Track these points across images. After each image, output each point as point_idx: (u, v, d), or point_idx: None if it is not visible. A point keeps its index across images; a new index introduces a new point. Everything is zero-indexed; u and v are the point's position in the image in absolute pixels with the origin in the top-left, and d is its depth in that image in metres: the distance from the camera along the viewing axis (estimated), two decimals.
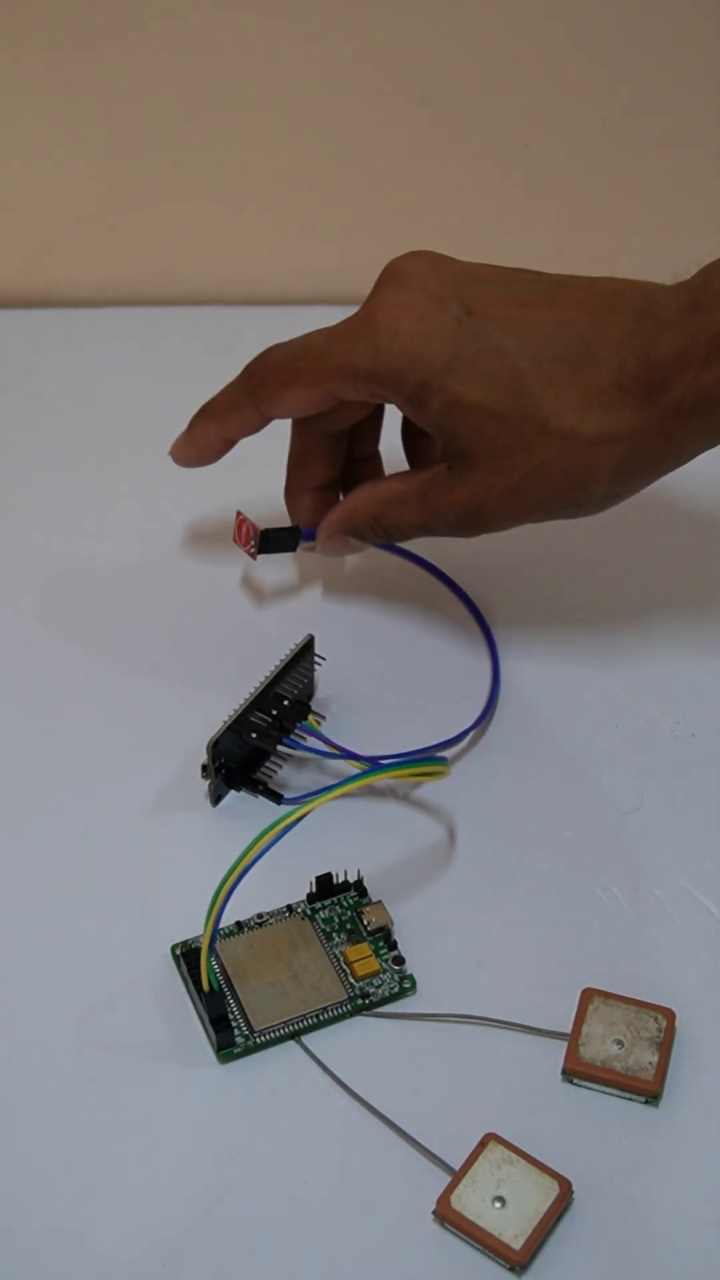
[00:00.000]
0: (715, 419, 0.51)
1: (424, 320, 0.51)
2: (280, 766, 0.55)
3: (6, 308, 0.81)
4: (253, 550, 0.58)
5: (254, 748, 0.54)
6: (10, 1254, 0.42)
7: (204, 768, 0.53)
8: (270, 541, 0.58)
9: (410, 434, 0.59)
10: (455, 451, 0.52)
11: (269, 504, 0.61)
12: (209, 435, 0.58)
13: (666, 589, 0.64)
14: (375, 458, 0.61)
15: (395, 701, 0.59)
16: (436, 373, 0.51)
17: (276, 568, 0.65)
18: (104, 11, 0.74)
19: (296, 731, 0.55)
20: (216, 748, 0.53)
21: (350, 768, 0.53)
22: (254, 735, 0.53)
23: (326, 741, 0.54)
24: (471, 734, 0.57)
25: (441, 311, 0.51)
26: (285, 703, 0.54)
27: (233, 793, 0.55)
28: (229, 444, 0.58)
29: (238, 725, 0.53)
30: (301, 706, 0.55)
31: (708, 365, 0.50)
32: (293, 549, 0.59)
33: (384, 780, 0.54)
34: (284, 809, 0.52)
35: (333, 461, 0.59)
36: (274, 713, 0.54)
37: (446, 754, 0.55)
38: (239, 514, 0.59)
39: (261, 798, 0.54)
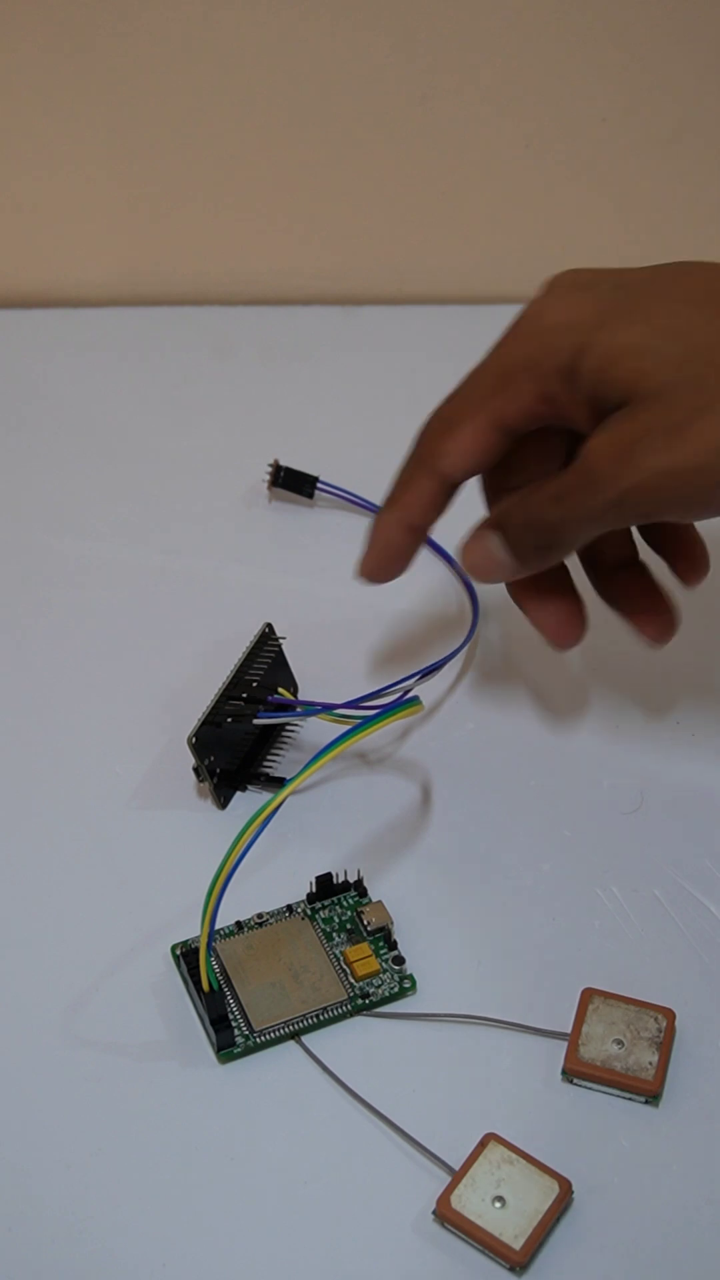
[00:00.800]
0: None
1: (570, 298, 0.47)
2: (280, 759, 0.55)
3: (7, 308, 0.81)
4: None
5: (241, 739, 0.54)
6: (10, 1254, 0.42)
7: (196, 770, 0.53)
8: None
9: (604, 572, 0.53)
10: (613, 403, 0.46)
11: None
12: (389, 527, 0.51)
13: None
14: (636, 567, 0.53)
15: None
16: (587, 331, 0.46)
17: (277, 568, 0.65)
18: (105, 14, 0.74)
19: (268, 702, 0.54)
20: (198, 743, 0.52)
21: (331, 725, 0.52)
22: (229, 720, 0.53)
23: (300, 703, 0.54)
24: (469, 732, 0.57)
25: (592, 290, 0.47)
26: (254, 685, 0.54)
27: (238, 792, 0.55)
28: (415, 532, 0.51)
29: (213, 716, 0.53)
30: (268, 688, 0.55)
31: None
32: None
33: (372, 742, 0.54)
34: (265, 797, 0.52)
35: (436, 507, 0.51)
36: (244, 695, 0.53)
37: (420, 687, 0.53)
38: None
39: (266, 789, 0.54)
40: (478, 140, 0.79)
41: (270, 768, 0.55)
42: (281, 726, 0.56)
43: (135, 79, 0.77)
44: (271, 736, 0.56)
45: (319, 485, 0.67)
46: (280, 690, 0.55)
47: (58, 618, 0.63)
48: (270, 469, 0.67)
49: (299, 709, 0.54)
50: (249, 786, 0.55)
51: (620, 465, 0.45)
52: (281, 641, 0.56)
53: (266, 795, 0.54)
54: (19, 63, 0.76)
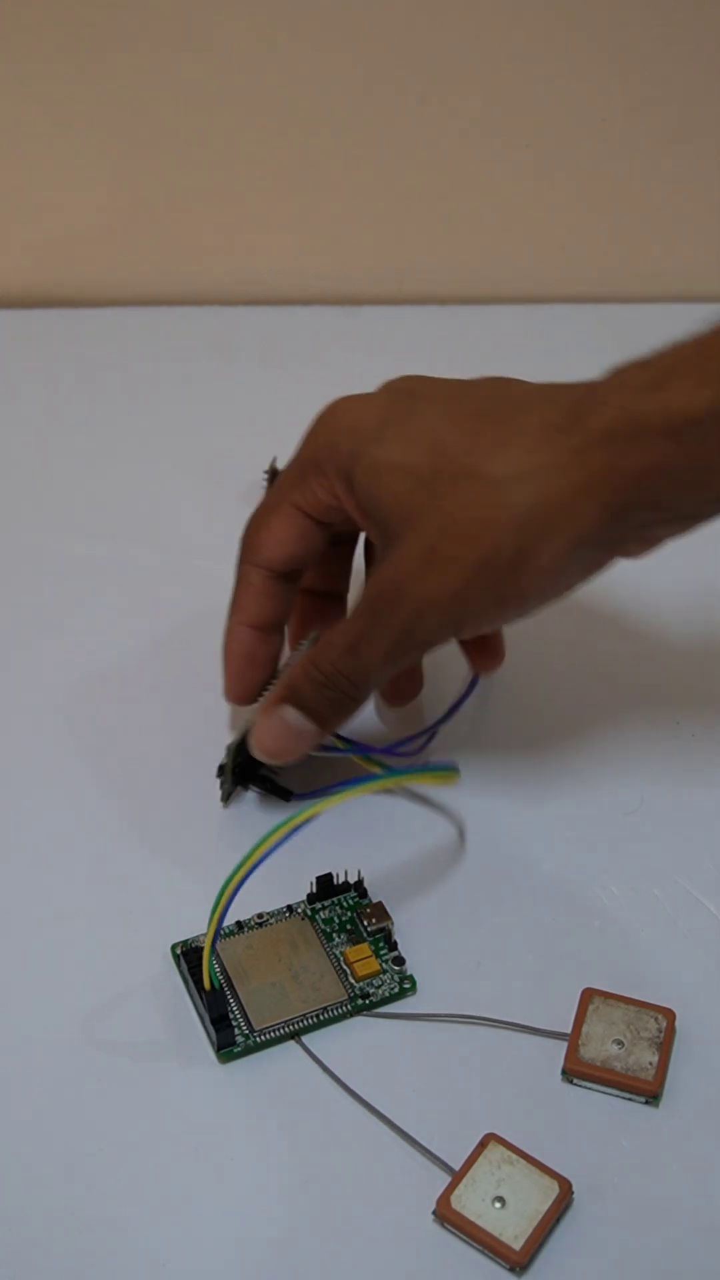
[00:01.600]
0: (645, 449, 0.44)
1: (360, 403, 0.49)
2: (286, 769, 0.55)
3: (10, 308, 0.82)
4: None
5: None
6: (10, 1254, 0.42)
7: (221, 767, 0.53)
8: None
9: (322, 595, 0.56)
10: (385, 535, 0.47)
11: None
12: (234, 632, 0.53)
13: (667, 588, 0.64)
14: (339, 599, 0.56)
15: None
16: (364, 441, 0.48)
17: None
18: (107, 17, 0.74)
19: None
20: (239, 750, 0.52)
21: (361, 764, 0.54)
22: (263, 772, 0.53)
23: (341, 739, 0.54)
24: (469, 733, 0.57)
25: (385, 395, 0.50)
26: None
27: (240, 790, 0.55)
28: (262, 632, 0.53)
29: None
30: None
31: (650, 391, 0.44)
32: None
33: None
34: (292, 809, 0.52)
35: (270, 598, 0.52)
36: None
37: (438, 745, 0.55)
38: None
39: (271, 796, 0.54)
40: (478, 140, 0.79)
41: (275, 774, 0.55)
42: None
43: (136, 79, 0.77)
44: None
45: None
46: None
47: (57, 617, 0.63)
48: (267, 471, 0.67)
49: (340, 746, 0.54)
50: (253, 787, 0.55)
51: (395, 603, 0.47)
52: None
53: (264, 800, 0.54)
54: (20, 63, 0.76)
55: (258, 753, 0.51)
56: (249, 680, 0.53)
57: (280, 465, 0.67)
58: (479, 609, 0.47)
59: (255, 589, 0.52)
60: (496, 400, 0.47)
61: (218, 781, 0.54)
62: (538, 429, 0.45)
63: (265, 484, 0.68)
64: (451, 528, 0.46)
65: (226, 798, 0.54)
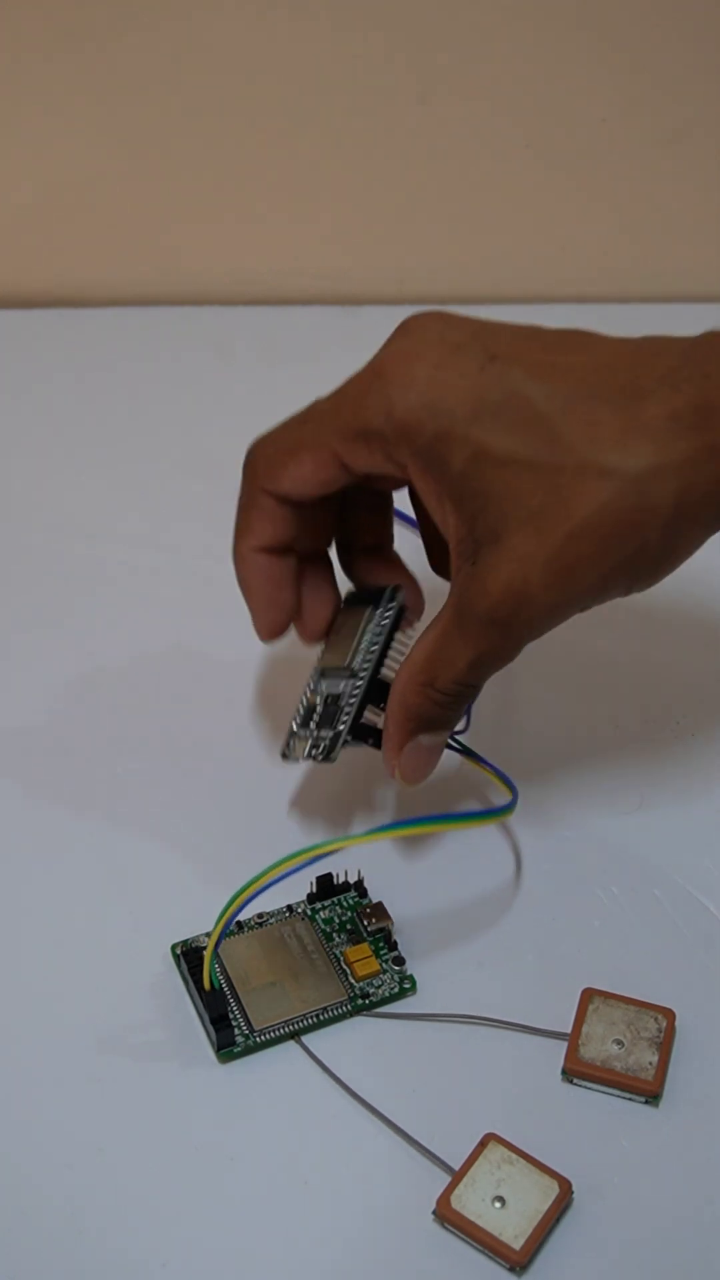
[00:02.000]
0: None
1: (441, 367, 0.44)
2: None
3: (7, 308, 0.82)
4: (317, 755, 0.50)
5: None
6: (10, 1254, 0.42)
7: (310, 721, 0.50)
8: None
9: (431, 537, 0.51)
10: (482, 531, 0.44)
11: None
12: (246, 558, 0.49)
13: (668, 588, 0.63)
14: (385, 550, 0.53)
15: None
16: (459, 422, 0.44)
17: None
18: (104, 13, 0.74)
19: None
20: (341, 735, 0.49)
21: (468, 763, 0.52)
22: (369, 740, 0.50)
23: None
24: (469, 733, 0.57)
25: (462, 358, 0.44)
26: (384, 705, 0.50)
27: (238, 788, 0.55)
28: (276, 559, 0.50)
29: (350, 727, 0.49)
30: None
31: None
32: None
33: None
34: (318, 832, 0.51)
35: (283, 521, 0.49)
36: (382, 706, 0.50)
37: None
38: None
39: (374, 748, 0.50)
40: (478, 140, 0.79)
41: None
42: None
43: (136, 79, 0.77)
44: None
45: None
46: None
47: (57, 617, 0.63)
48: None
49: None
50: (369, 742, 0.51)
51: (513, 612, 0.44)
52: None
53: (265, 807, 0.54)
54: (20, 63, 0.76)
55: (407, 782, 0.49)
56: (279, 608, 0.50)
57: None
58: (599, 600, 0.45)
59: (267, 513, 0.48)
60: (602, 376, 0.44)
61: (303, 750, 0.50)
62: (664, 420, 0.43)
63: None
64: (586, 530, 0.43)
65: (330, 753, 0.50)
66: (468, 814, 0.49)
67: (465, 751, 0.51)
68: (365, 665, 0.49)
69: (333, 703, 0.50)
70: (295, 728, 0.50)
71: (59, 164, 0.79)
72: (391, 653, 0.50)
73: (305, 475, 0.47)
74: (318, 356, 0.79)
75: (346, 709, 0.49)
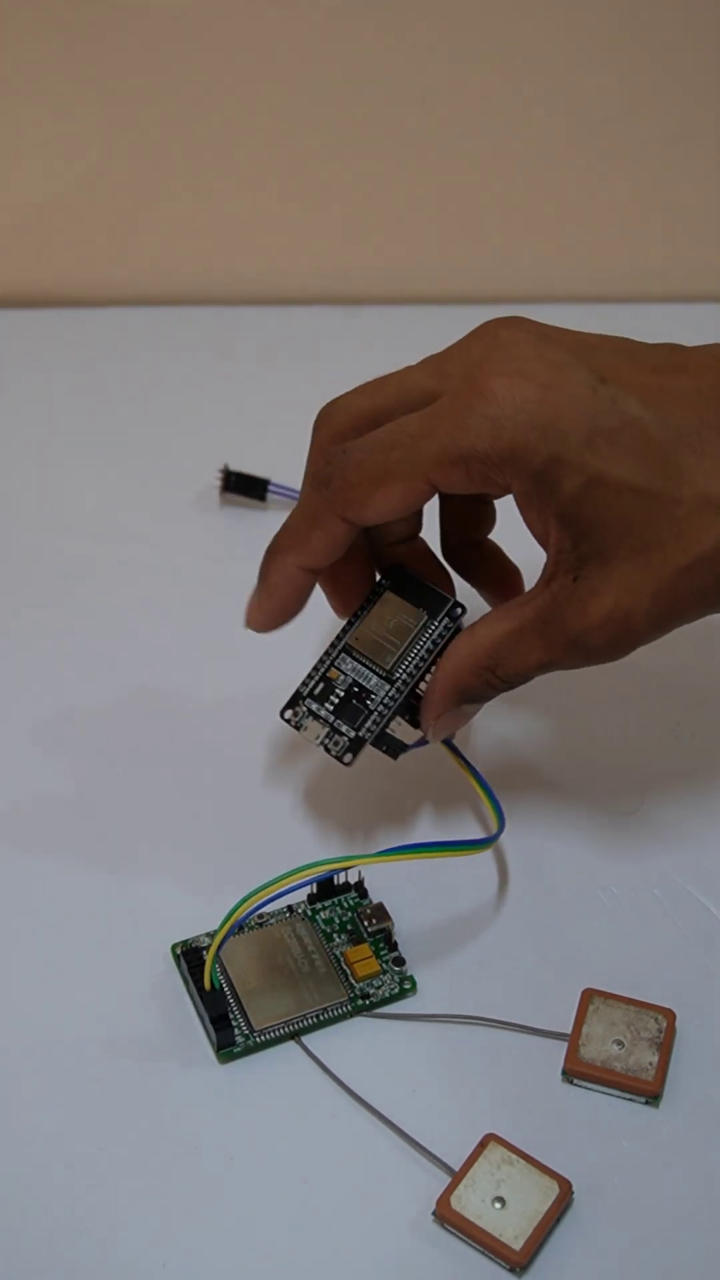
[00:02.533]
0: None
1: (551, 389, 0.43)
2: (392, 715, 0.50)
3: (7, 308, 0.81)
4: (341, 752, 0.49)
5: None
6: (10, 1254, 0.42)
7: (334, 722, 0.49)
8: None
9: (456, 545, 0.51)
10: (588, 550, 0.43)
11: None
12: (285, 572, 0.47)
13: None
14: (486, 548, 0.51)
15: None
16: (574, 447, 0.42)
17: None
18: (105, 13, 0.74)
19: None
20: (380, 738, 0.49)
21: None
22: (408, 743, 0.50)
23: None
24: (469, 734, 0.57)
25: (571, 379, 0.43)
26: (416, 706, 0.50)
27: (236, 783, 0.55)
28: (313, 577, 0.48)
29: (376, 735, 0.49)
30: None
31: None
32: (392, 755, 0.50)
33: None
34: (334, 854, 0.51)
35: (344, 543, 0.47)
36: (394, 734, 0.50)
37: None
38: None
39: (383, 753, 0.50)
40: (478, 140, 0.79)
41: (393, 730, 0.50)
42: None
43: (135, 78, 0.77)
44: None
45: (270, 488, 0.67)
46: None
47: (56, 616, 0.63)
48: (221, 472, 0.67)
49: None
50: (382, 748, 0.50)
51: (614, 640, 0.45)
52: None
53: (267, 806, 0.54)
54: (19, 62, 0.76)
55: (434, 739, 0.49)
56: (287, 614, 0.49)
57: (232, 469, 0.66)
58: (692, 620, 0.46)
59: (331, 540, 0.46)
60: (708, 400, 0.44)
61: (316, 734, 0.49)
62: None
63: (218, 485, 0.67)
64: (701, 565, 0.43)
65: (348, 753, 0.49)
66: (458, 844, 0.49)
67: (466, 767, 0.51)
68: (410, 679, 0.49)
69: (358, 696, 0.49)
70: (308, 699, 0.49)
71: (59, 164, 0.79)
72: (433, 669, 0.49)
73: (393, 506, 0.45)
74: (317, 356, 0.79)
75: (377, 715, 0.49)
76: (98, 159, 0.79)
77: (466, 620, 0.49)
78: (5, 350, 0.79)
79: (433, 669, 0.49)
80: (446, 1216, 0.42)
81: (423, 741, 0.50)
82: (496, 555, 0.51)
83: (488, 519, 0.50)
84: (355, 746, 0.49)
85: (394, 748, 0.50)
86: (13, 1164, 0.44)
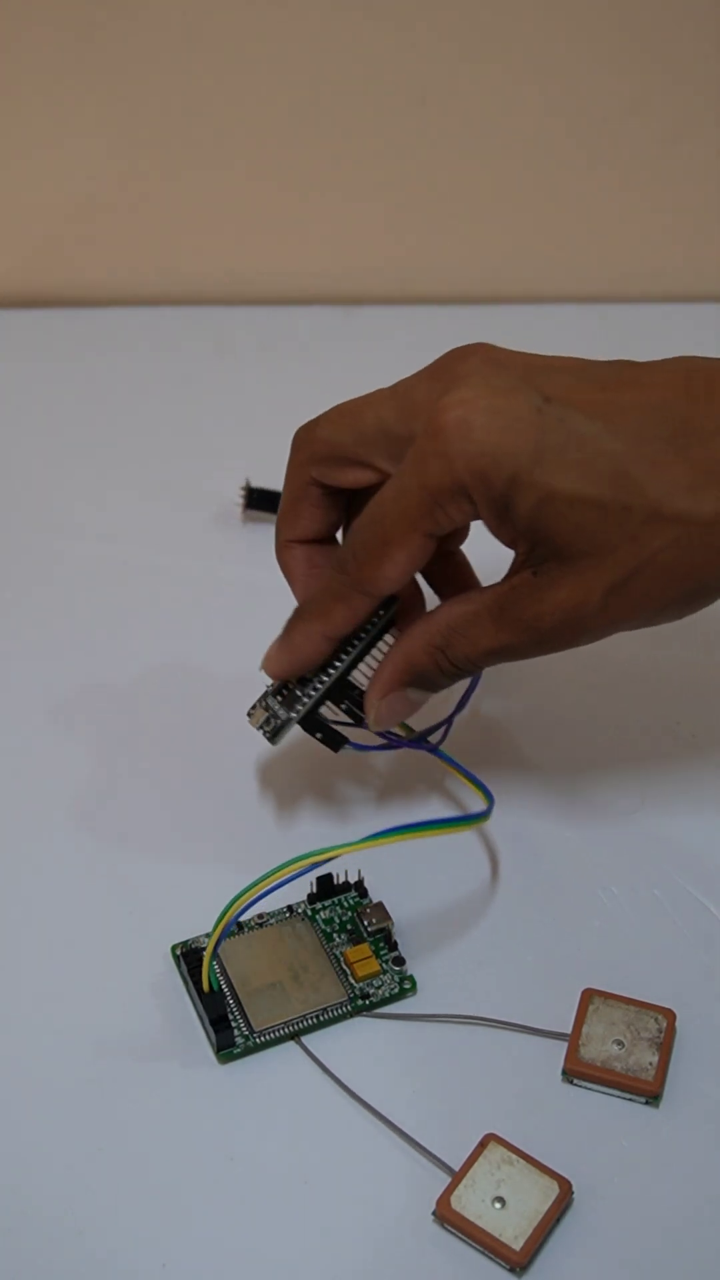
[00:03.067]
0: None
1: (497, 413, 0.44)
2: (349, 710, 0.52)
3: (7, 308, 0.82)
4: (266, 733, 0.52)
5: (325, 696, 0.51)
6: (10, 1254, 0.42)
7: (266, 705, 0.51)
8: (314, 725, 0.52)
9: (438, 563, 0.52)
10: (546, 553, 0.45)
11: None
12: (311, 638, 0.50)
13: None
14: (455, 557, 0.53)
15: None
16: (524, 467, 0.44)
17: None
18: (107, 16, 0.74)
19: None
20: (309, 719, 0.51)
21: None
22: (318, 735, 0.51)
23: (390, 736, 0.52)
24: (468, 734, 0.57)
25: (515, 402, 0.44)
26: (358, 694, 0.51)
27: (239, 783, 0.55)
28: (334, 643, 0.50)
29: (308, 720, 0.51)
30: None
31: None
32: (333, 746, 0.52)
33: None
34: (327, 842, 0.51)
35: (331, 509, 0.51)
36: (344, 705, 0.51)
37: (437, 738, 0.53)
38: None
39: (320, 743, 0.52)
40: (478, 140, 0.79)
41: (333, 721, 0.52)
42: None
43: (136, 79, 0.77)
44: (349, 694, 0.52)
45: None
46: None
47: (56, 616, 0.63)
48: (243, 489, 0.67)
49: (402, 734, 0.52)
50: (314, 732, 0.52)
51: (568, 631, 0.46)
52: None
53: (263, 809, 0.54)
54: (19, 61, 0.76)
55: (377, 726, 0.50)
56: (298, 672, 0.51)
57: (254, 485, 0.66)
58: (644, 626, 0.47)
59: (353, 615, 0.49)
60: (659, 416, 0.45)
61: (258, 720, 0.51)
62: None
63: (240, 503, 0.67)
64: (653, 568, 0.45)
65: (275, 734, 0.51)
66: (449, 820, 0.49)
67: (445, 759, 0.51)
68: (337, 664, 0.50)
69: (298, 684, 0.51)
70: (267, 692, 0.51)
71: (60, 164, 0.79)
72: (368, 659, 0.51)
73: (400, 570, 0.47)
74: (317, 356, 0.79)
75: (305, 698, 0.50)
76: (98, 159, 0.79)
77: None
78: (5, 350, 0.79)
79: (367, 659, 0.51)
80: (446, 1216, 0.42)
81: (381, 747, 0.52)
82: (463, 565, 0.53)
83: (462, 531, 0.52)
84: (282, 727, 0.51)
85: (330, 737, 0.51)
86: (12, 1164, 0.44)
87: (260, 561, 0.65)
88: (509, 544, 0.47)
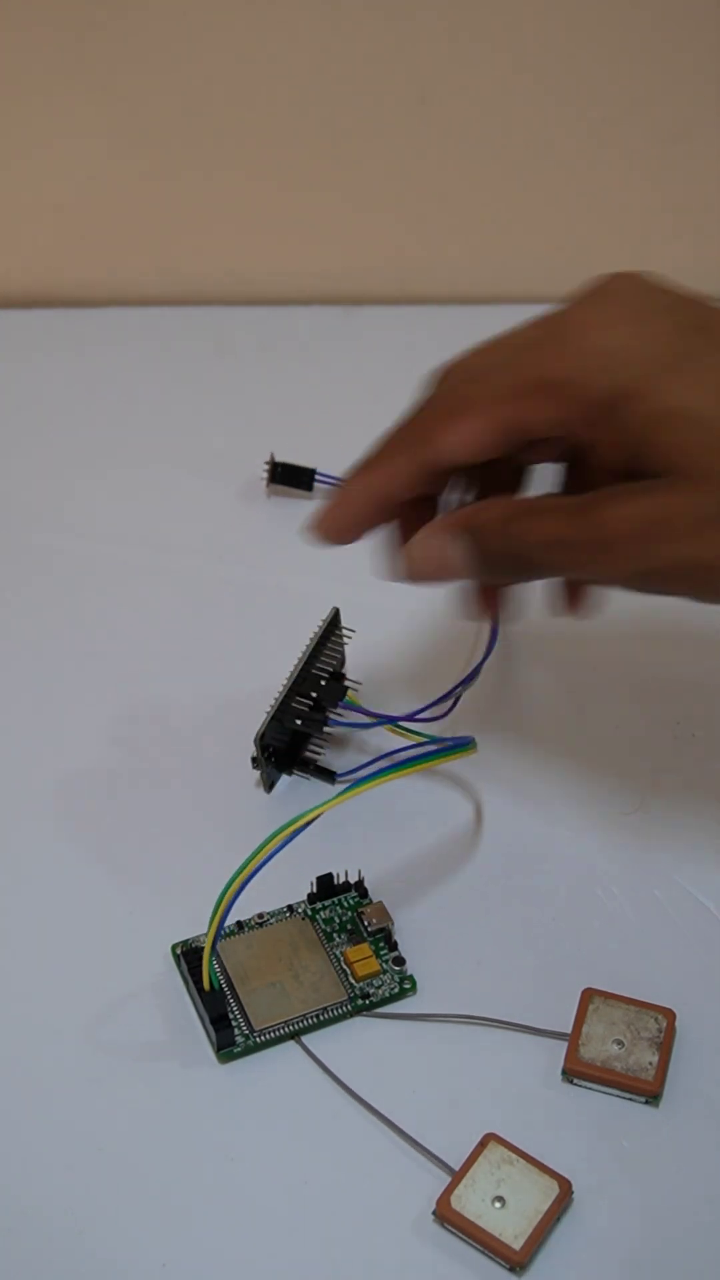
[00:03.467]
0: None
1: (638, 324, 0.43)
2: (325, 743, 0.55)
3: (7, 308, 0.82)
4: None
5: (292, 721, 0.53)
6: (10, 1254, 0.42)
7: (254, 760, 0.53)
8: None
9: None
10: (647, 465, 0.42)
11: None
12: (360, 493, 0.46)
13: None
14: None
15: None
16: (644, 375, 0.42)
17: (284, 558, 0.65)
18: (107, 16, 0.74)
19: (337, 710, 0.54)
20: (264, 740, 0.53)
21: (394, 733, 0.55)
22: (298, 721, 0.53)
23: (365, 712, 0.54)
24: (465, 733, 0.57)
25: (662, 320, 0.43)
26: (322, 682, 0.53)
27: (285, 776, 0.55)
28: (383, 506, 0.46)
29: (280, 714, 0.53)
30: (337, 681, 0.54)
31: None
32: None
33: (372, 742, 0.56)
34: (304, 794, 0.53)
35: (414, 490, 0.47)
36: (314, 694, 0.53)
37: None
38: None
39: (314, 779, 0.55)
40: (478, 140, 0.79)
41: (318, 755, 0.55)
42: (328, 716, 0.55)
43: (135, 79, 0.77)
44: (320, 722, 0.54)
45: (317, 477, 0.68)
46: (350, 696, 0.54)
47: (56, 616, 0.63)
48: (268, 463, 0.68)
49: (365, 718, 0.54)
50: (296, 772, 0.55)
51: (640, 545, 0.42)
52: (349, 635, 0.55)
53: (265, 798, 0.54)
54: (19, 61, 0.76)
55: (406, 567, 0.46)
56: (339, 534, 0.47)
57: (278, 459, 0.67)
58: (709, 581, 0.43)
59: (404, 472, 0.45)
60: None
61: (257, 773, 0.54)
62: None
63: (265, 476, 0.68)
64: None
65: (269, 787, 0.55)
66: (431, 753, 0.49)
67: (414, 735, 0.53)
68: (288, 679, 0.53)
69: (259, 743, 0.53)
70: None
71: (59, 165, 0.79)
72: (325, 654, 0.54)
73: (464, 440, 0.44)
74: (317, 356, 0.79)
75: (263, 725, 0.53)
76: (98, 159, 0.79)
77: None
78: (5, 350, 0.79)
79: (309, 665, 0.53)
80: (446, 1216, 0.42)
81: (358, 724, 0.55)
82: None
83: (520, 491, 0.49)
84: (265, 774, 0.54)
85: (320, 773, 0.55)
86: (13, 1164, 0.44)
87: (261, 563, 0.65)
88: (603, 458, 0.44)
